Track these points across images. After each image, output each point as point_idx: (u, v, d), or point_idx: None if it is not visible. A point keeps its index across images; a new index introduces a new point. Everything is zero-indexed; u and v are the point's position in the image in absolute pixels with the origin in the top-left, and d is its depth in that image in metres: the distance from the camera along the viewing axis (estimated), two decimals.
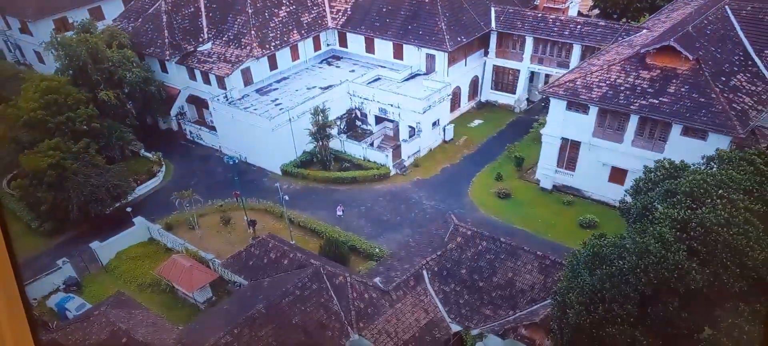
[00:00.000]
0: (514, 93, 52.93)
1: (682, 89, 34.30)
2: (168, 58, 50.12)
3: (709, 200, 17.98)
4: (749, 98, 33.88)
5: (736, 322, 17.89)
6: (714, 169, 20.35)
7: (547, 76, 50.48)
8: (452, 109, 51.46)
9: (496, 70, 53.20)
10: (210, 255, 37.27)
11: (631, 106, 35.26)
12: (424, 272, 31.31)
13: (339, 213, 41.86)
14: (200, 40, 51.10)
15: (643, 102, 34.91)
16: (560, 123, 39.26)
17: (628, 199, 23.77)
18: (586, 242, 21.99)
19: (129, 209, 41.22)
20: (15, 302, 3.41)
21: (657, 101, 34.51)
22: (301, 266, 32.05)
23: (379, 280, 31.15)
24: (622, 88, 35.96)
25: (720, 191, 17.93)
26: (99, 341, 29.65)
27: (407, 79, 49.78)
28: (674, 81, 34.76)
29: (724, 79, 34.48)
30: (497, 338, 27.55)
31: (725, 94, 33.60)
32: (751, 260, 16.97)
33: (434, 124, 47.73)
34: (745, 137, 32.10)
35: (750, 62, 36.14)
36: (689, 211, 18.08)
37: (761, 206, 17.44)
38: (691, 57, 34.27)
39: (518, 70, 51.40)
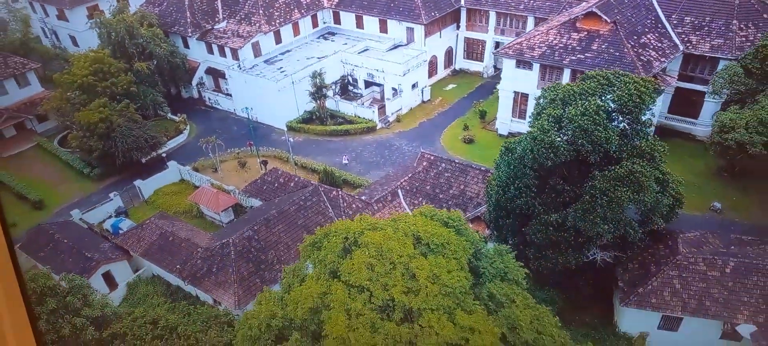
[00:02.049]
0: (483, 61, 60.96)
1: (603, 46, 42.36)
2: (190, 35, 58.30)
3: (573, 102, 26.17)
4: (655, 52, 41.94)
5: (594, 183, 26.14)
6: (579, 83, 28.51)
7: None
8: (430, 75, 59.59)
9: (467, 41, 61.21)
10: (231, 187, 45.58)
11: (564, 62, 43.30)
12: (399, 191, 39.52)
13: (345, 162, 49.53)
14: (216, 19, 59.24)
15: (573, 58, 42.96)
16: (512, 79, 47.29)
17: None
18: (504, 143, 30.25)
19: (164, 155, 49.55)
20: (16, 300, 3.17)
21: (583, 57, 42.56)
22: (303, 187, 40.44)
23: (364, 196, 39.55)
24: (557, 47, 44.02)
25: (580, 96, 26.10)
26: (152, 240, 38.12)
27: (391, 49, 57.82)
28: (597, 40, 42.81)
29: (635, 37, 42.50)
30: None
31: (635, 50, 41.64)
32: (597, 138, 25.16)
33: (414, 86, 55.84)
34: None
35: (659, 25, 44.19)
36: (560, 109, 26.28)
37: (598, 101, 25.61)
38: (609, 20, 42.30)
39: (485, 41, 59.39)
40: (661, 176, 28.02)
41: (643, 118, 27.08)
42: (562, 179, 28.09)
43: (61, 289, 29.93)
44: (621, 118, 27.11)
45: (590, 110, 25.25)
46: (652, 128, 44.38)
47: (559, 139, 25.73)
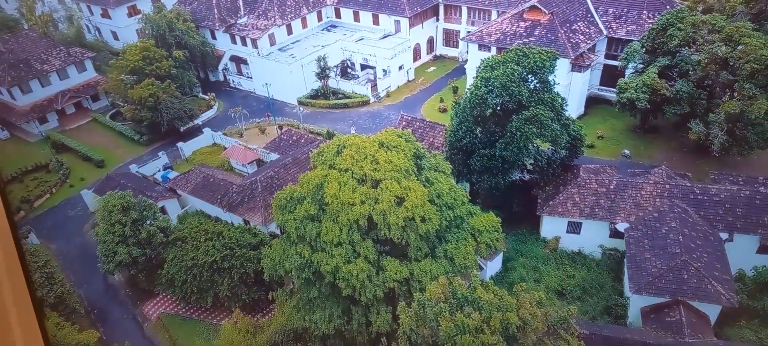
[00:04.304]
0: (458, 48, 71.07)
1: (543, 32, 52.44)
2: (217, 28, 68.65)
3: (498, 66, 36.39)
4: (583, 36, 52.05)
5: (512, 124, 36.34)
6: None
7: None
8: (415, 59, 69.77)
9: (446, 31, 71.31)
10: (254, 146, 56.02)
11: (513, 44, 53.30)
12: None
13: (352, 131, 59.71)
14: (239, 15, 69.54)
15: (520, 41, 52.97)
16: (476, 60, 57.38)
17: None
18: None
19: (200, 123, 60.04)
20: (23, 294, 3.13)
21: (528, 40, 52.58)
22: (312, 142, 50.82)
23: None
24: (508, 34, 54.13)
25: (502, 63, 36.34)
26: (197, 182, 48.59)
27: (382, 38, 67.98)
28: (538, 27, 52.91)
29: (568, 25, 52.58)
30: None
31: (567, 34, 51.72)
32: (513, 92, 35.37)
33: (400, 67, 66.05)
34: (575, 58, 50.32)
35: (589, 14, 54.24)
36: (488, 72, 36.52)
37: (516, 66, 35.81)
38: (547, 12, 52.39)
39: (459, 31, 69.46)
40: (565, 120, 38.29)
41: (549, 78, 37.26)
42: (492, 122, 38.40)
43: (139, 206, 40.48)
44: (533, 79, 37.31)
45: (508, 73, 35.51)
46: (585, 95, 54.78)
47: (488, 94, 36.01)
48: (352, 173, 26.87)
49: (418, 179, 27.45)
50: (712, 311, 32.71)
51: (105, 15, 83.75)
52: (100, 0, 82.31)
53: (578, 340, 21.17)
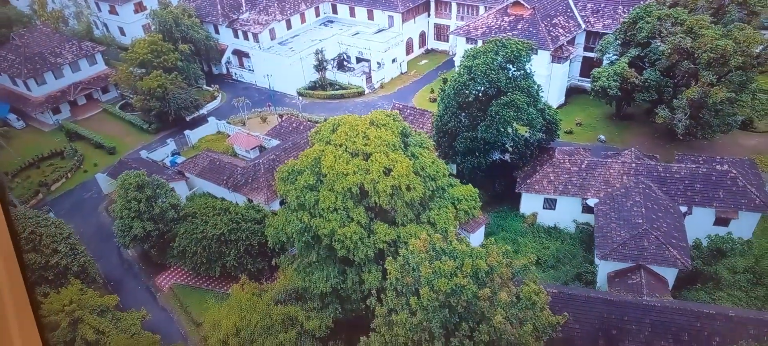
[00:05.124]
0: (449, 42, 74.19)
1: (525, 26, 55.61)
2: (220, 23, 71.67)
3: (479, 56, 39.57)
4: (562, 30, 55.24)
5: (492, 108, 39.55)
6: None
7: None
8: (407, 53, 72.90)
9: (437, 26, 74.44)
10: (256, 133, 59.16)
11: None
12: None
13: None
14: (241, 11, 72.53)
15: (504, 34, 56.12)
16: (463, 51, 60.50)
17: None
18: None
19: (205, 112, 63.13)
20: (22, 299, 3.09)
21: (511, 33, 55.76)
22: (310, 128, 53.96)
23: None
24: (493, 27, 57.30)
25: (483, 53, 39.52)
26: (204, 165, 51.71)
27: (376, 33, 71.11)
28: (521, 22, 56.08)
29: (548, 19, 55.76)
30: None
31: (548, 28, 54.91)
32: (492, 79, 38.56)
33: (393, 60, 69.18)
34: (555, 50, 53.54)
35: (569, 9, 57.43)
36: (471, 61, 39.69)
37: (496, 56, 38.99)
38: (529, 7, 55.56)
39: (449, 26, 72.57)
40: (541, 106, 41.54)
41: (526, 67, 40.46)
42: (475, 108, 41.62)
43: (152, 184, 43.59)
44: (512, 67, 40.50)
45: (488, 61, 38.73)
46: (565, 85, 57.97)
47: (470, 81, 39.23)
48: (346, 147, 30.08)
49: (404, 154, 30.68)
50: (670, 275, 36.04)
51: (112, 11, 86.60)
52: None
53: (537, 284, 24.39)
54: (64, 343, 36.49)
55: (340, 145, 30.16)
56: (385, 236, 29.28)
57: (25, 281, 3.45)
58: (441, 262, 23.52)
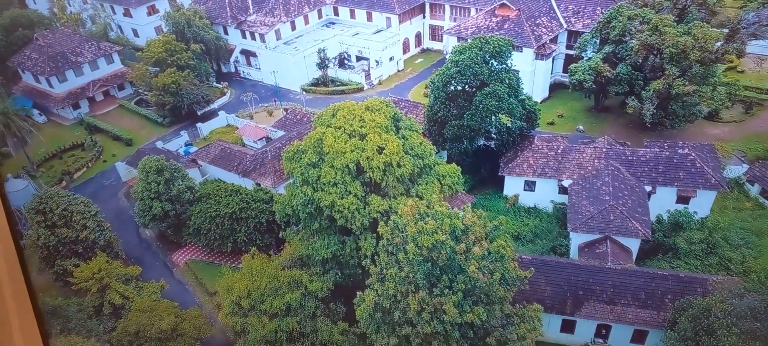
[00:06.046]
0: (443, 42, 78.10)
1: (511, 26, 59.52)
2: (229, 24, 75.73)
3: (465, 52, 43.47)
4: (545, 29, 59.15)
5: (476, 98, 43.47)
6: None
7: None
8: (404, 52, 76.85)
9: (432, 27, 78.40)
10: (263, 125, 63.13)
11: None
12: None
13: None
14: (248, 13, 76.60)
15: (491, 34, 60.01)
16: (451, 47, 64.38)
17: None
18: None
19: (215, 107, 67.16)
20: (22, 295, 3.10)
21: (498, 33, 59.62)
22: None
23: None
24: (482, 27, 61.21)
25: (468, 49, 43.44)
26: (216, 153, 55.68)
27: (375, 33, 75.08)
28: (507, 22, 59.99)
29: (532, 20, 59.66)
30: None
31: (532, 28, 58.81)
32: (475, 72, 42.45)
33: (391, 59, 73.13)
34: (538, 47, 57.45)
35: (551, 10, 61.35)
36: (457, 56, 43.59)
37: (479, 51, 42.90)
38: (515, 9, 59.48)
39: (443, 26, 76.52)
40: (522, 97, 45.44)
41: (508, 62, 44.36)
42: (461, 98, 45.55)
43: (170, 168, 47.55)
44: (495, 62, 44.41)
45: (473, 56, 42.66)
46: (550, 81, 61.76)
47: (457, 74, 43.16)
48: (344, 129, 34.04)
49: (396, 135, 34.64)
50: (634, 245, 39.90)
51: (127, 14, 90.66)
52: (123, 0, 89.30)
53: (507, 242, 28.27)
54: (93, 307, 40.56)
55: (339, 128, 34.11)
56: (378, 206, 33.18)
57: (25, 276, 3.44)
58: (424, 222, 27.43)
